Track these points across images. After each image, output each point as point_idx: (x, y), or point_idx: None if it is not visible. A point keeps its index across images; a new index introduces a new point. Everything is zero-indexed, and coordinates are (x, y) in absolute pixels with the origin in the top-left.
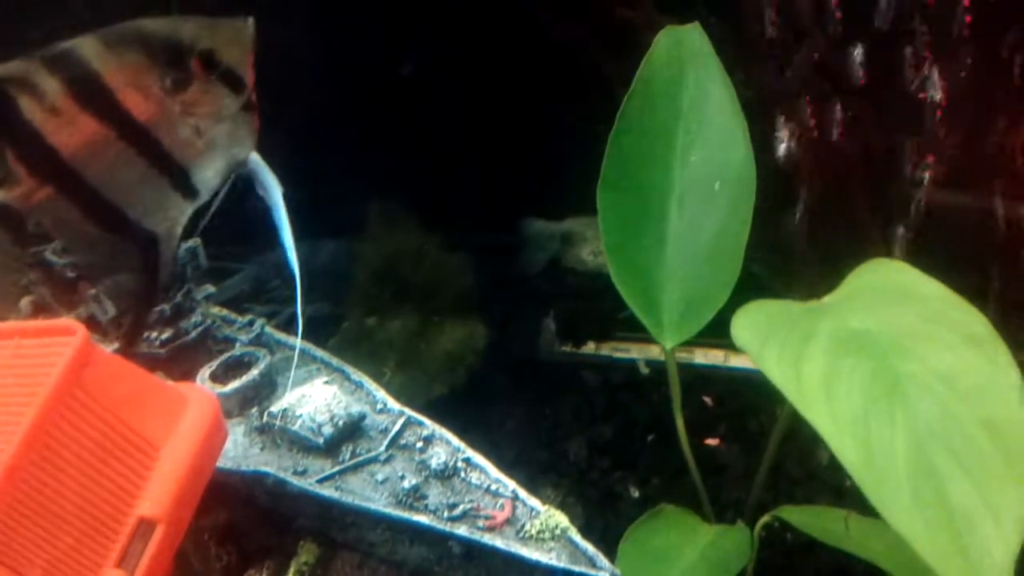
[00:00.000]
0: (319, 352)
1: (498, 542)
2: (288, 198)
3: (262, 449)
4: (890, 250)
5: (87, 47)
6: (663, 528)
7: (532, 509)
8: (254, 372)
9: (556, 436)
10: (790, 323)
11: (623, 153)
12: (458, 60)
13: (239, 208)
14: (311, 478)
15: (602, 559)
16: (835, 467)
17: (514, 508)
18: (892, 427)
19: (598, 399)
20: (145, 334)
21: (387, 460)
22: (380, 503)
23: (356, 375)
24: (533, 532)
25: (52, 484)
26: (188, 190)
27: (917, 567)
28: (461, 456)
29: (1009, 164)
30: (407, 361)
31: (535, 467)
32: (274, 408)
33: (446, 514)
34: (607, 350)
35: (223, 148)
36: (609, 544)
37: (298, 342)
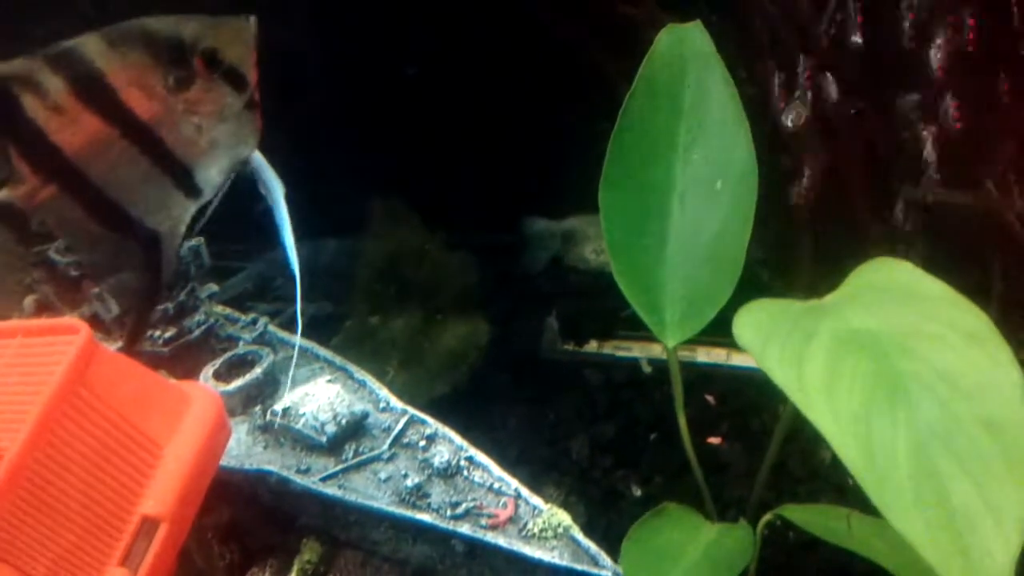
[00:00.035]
0: (322, 351)
1: (501, 540)
2: (287, 198)
3: (265, 448)
4: (892, 249)
5: (90, 46)
6: (666, 527)
7: (535, 507)
8: (257, 371)
9: (558, 434)
10: (792, 322)
11: (625, 151)
12: (460, 59)
13: (242, 207)
14: (314, 476)
15: (604, 557)
16: (837, 466)
17: (517, 506)
18: (894, 427)
19: (600, 398)
20: (148, 332)
21: (390, 458)
22: (383, 501)
23: (359, 374)
24: (536, 530)
25: (56, 482)
26: (191, 189)
27: (919, 566)
28: (464, 454)
29: (1010, 160)
30: (410, 360)
31: (538, 465)
32: (277, 407)
33: (449, 512)
34: (609, 349)
35: (226, 147)
36: (611, 542)
37: (298, 340)
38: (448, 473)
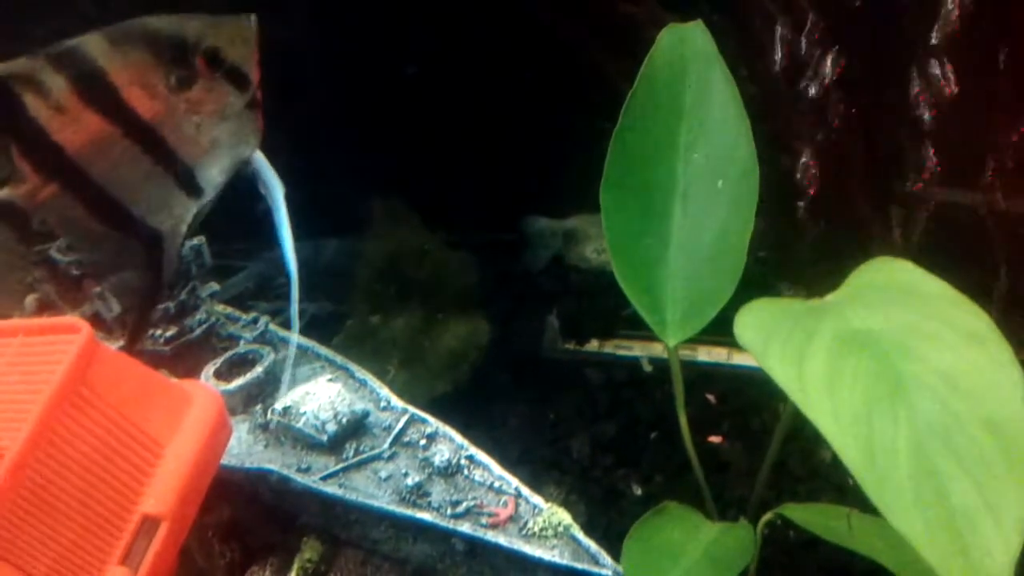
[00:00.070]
0: (323, 350)
1: (501, 539)
2: (287, 198)
3: (266, 446)
4: (893, 248)
5: (92, 45)
6: (666, 526)
7: (535, 506)
8: (258, 369)
9: (559, 433)
10: (793, 322)
11: (626, 151)
12: (461, 59)
13: (243, 206)
14: (315, 475)
15: (605, 556)
16: (838, 465)
17: (517, 505)
18: (894, 427)
19: (601, 397)
20: (150, 332)
21: (391, 457)
22: (383, 500)
23: (360, 373)
24: (536, 529)
25: (57, 481)
26: (192, 188)
27: (919, 565)
28: (464, 453)
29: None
30: (411, 359)
31: (538, 464)
32: (278, 405)
33: (449, 511)
34: (610, 348)
35: (227, 146)
36: (612, 541)
37: (294, 339)
38: (449, 472)
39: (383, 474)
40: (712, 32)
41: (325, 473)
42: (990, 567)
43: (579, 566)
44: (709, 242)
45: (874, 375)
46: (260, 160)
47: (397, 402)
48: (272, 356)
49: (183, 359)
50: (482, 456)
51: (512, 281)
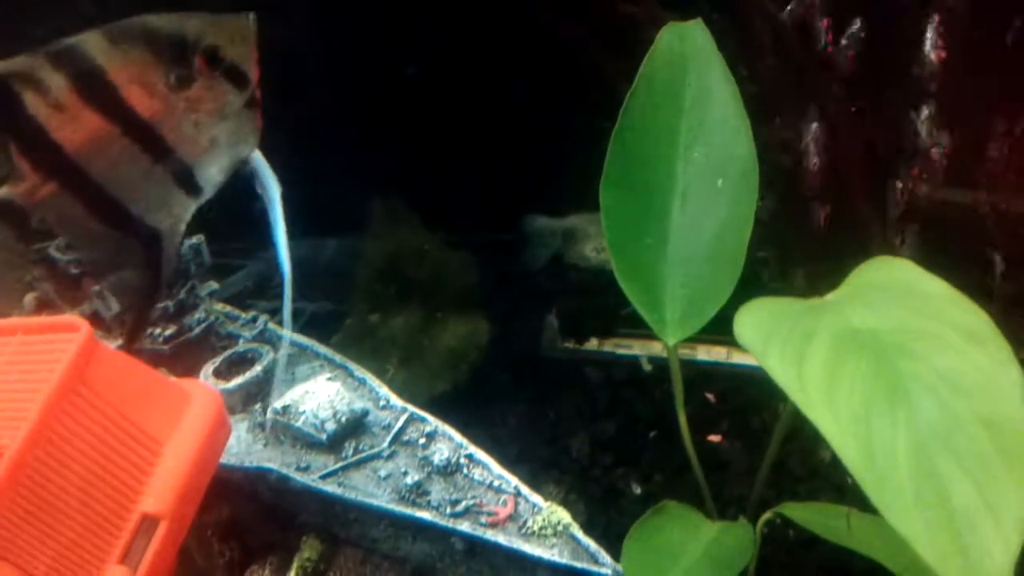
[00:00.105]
0: (322, 348)
1: (500, 538)
2: (284, 198)
3: (265, 445)
4: (893, 247)
5: (91, 43)
6: (666, 525)
7: (535, 505)
8: (257, 368)
9: (558, 433)
10: (793, 321)
11: (626, 150)
12: (461, 58)
13: (243, 205)
14: (314, 474)
15: (604, 555)
16: (837, 464)
17: (516, 504)
18: (894, 427)
19: (600, 396)
20: (149, 330)
21: (390, 456)
22: (383, 499)
23: (359, 372)
24: (535, 528)
25: (56, 480)
26: (192, 187)
27: (918, 565)
28: (464, 452)
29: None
30: (410, 358)
31: (537, 463)
32: (277, 404)
33: (449, 510)
34: (609, 347)
35: (227, 145)
36: (611, 540)
37: (286, 341)
38: (448, 471)
39: (382, 473)
40: (712, 31)
41: (324, 472)
42: (990, 567)
43: (578, 565)
44: (709, 241)
45: (874, 375)
46: (258, 160)
47: (396, 401)
48: (271, 355)
49: (182, 358)
50: (481, 455)
51: (511, 280)
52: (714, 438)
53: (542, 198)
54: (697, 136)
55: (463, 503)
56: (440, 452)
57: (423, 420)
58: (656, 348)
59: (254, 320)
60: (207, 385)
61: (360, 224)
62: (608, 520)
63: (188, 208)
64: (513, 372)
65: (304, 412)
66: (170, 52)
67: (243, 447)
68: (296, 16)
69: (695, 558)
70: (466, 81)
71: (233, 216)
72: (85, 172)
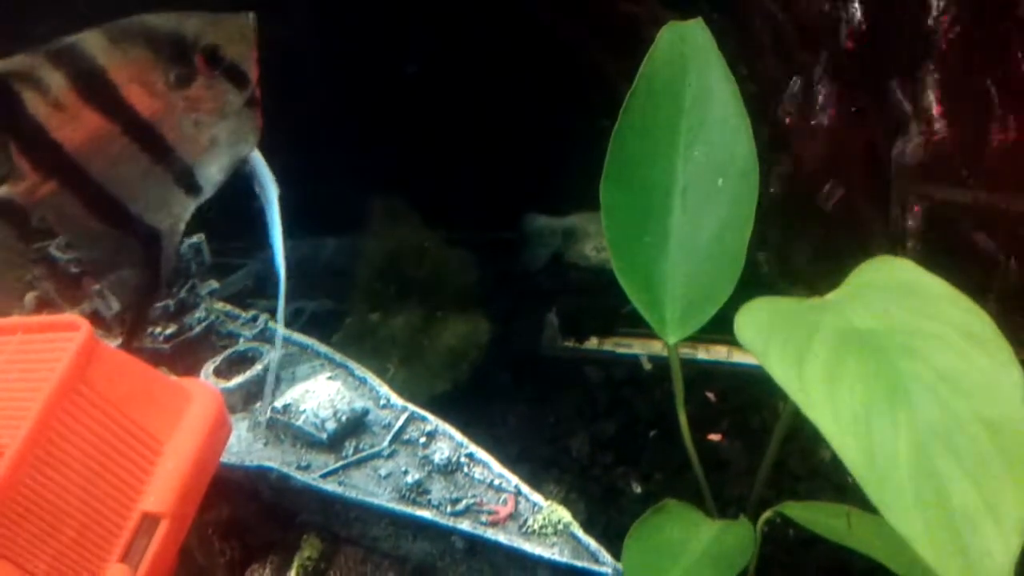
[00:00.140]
0: (323, 348)
1: (501, 537)
2: (281, 198)
3: (266, 444)
4: (893, 246)
5: (92, 42)
6: (666, 524)
7: (535, 504)
8: (258, 367)
9: (559, 432)
10: (793, 321)
11: (626, 149)
12: (461, 57)
13: (243, 204)
14: (314, 473)
15: (604, 554)
16: (837, 463)
17: (517, 503)
18: (894, 428)
19: (601, 395)
20: (149, 329)
21: (390, 455)
22: (383, 498)
23: (360, 371)
24: (536, 527)
25: (56, 479)
26: (191, 186)
27: (918, 564)
28: (464, 451)
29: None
30: (410, 357)
31: (538, 462)
32: (278, 403)
33: (449, 509)
34: (610, 346)
35: (226, 144)
36: (611, 539)
37: (279, 341)
38: (448, 470)
39: (383, 472)
40: (712, 30)
41: (325, 471)
42: (990, 568)
43: (579, 564)
44: (709, 240)
45: (874, 375)
46: (257, 159)
47: (397, 400)
48: (272, 354)
49: (183, 357)
50: (482, 454)
51: (512, 279)
52: (714, 437)
53: (542, 197)
54: (697, 135)
55: (463, 502)
56: (440, 451)
57: (423, 419)
58: (656, 347)
59: (254, 319)
60: (207, 384)
61: (360, 223)
62: (608, 519)
63: (187, 207)
64: (513, 371)
65: (304, 411)
66: (170, 51)
67: (244, 446)
68: (296, 16)
69: (695, 557)
70: (466, 80)
71: (233, 215)
72: (85, 171)
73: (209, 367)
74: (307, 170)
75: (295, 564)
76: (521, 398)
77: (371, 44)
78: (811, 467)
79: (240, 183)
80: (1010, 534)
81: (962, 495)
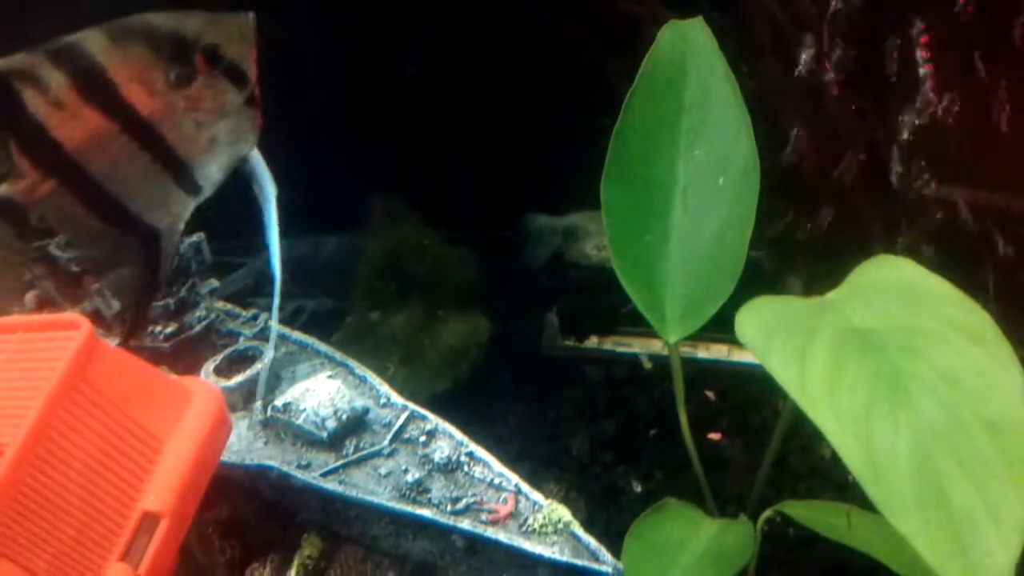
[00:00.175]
0: (323, 346)
1: (501, 536)
2: (279, 199)
3: (266, 443)
4: (894, 246)
5: (92, 41)
6: (666, 522)
7: (535, 503)
8: (258, 366)
9: (559, 431)
10: (794, 320)
11: (627, 148)
12: (461, 57)
13: (243, 203)
14: (315, 472)
15: (605, 553)
16: (837, 462)
17: (517, 502)
18: (895, 427)
19: (601, 394)
20: (150, 328)
21: (390, 454)
22: (383, 497)
23: (360, 369)
24: (536, 526)
25: (57, 478)
26: (191, 185)
27: (918, 563)
28: (464, 450)
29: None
30: (411, 356)
31: (538, 461)
32: (278, 402)
33: (449, 508)
34: (610, 345)
35: (226, 143)
36: (612, 538)
37: (272, 341)
38: (448, 469)
39: (383, 471)
40: (712, 29)
41: (325, 470)
42: (990, 568)
43: (579, 563)
44: (709, 239)
45: (875, 375)
46: (256, 159)
47: (397, 399)
48: (272, 352)
49: (183, 356)
50: (482, 453)
51: (512, 278)
52: (714, 436)
53: (542, 196)
54: (698, 134)
55: (464, 501)
56: (441, 450)
57: (424, 418)
58: (656, 346)
59: (255, 318)
60: (208, 383)
61: (361, 222)
62: (609, 518)
63: (187, 206)
64: (513, 370)
65: (305, 410)
66: (170, 50)
67: (244, 445)
68: (296, 15)
69: (695, 556)
70: (467, 79)
71: (234, 214)
72: (84, 170)
73: (209, 366)
74: (308, 169)
75: (295, 563)
76: (521, 397)
77: (371, 44)
78: (811, 465)
79: (241, 182)
80: (1010, 534)
81: (962, 495)
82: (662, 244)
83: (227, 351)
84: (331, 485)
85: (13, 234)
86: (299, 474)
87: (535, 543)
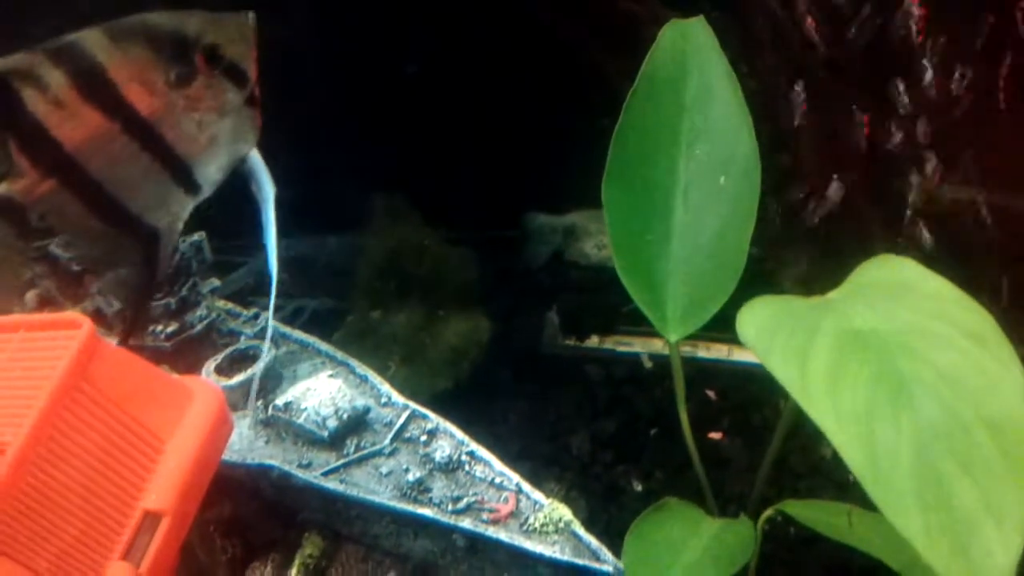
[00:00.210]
0: (324, 346)
1: (502, 535)
2: (277, 199)
3: (267, 442)
4: (895, 245)
5: (92, 40)
6: (667, 522)
7: (536, 502)
8: (259, 365)
9: (560, 430)
10: (795, 320)
11: (628, 147)
12: (462, 57)
13: (244, 202)
14: (316, 471)
15: (605, 552)
16: (838, 461)
17: (518, 501)
18: (896, 427)
19: (601, 393)
20: (150, 327)
21: (391, 453)
22: (384, 496)
23: (361, 369)
24: (537, 525)
25: (58, 477)
26: (190, 185)
27: (919, 563)
28: (465, 449)
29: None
30: (411, 355)
31: (539, 460)
32: (279, 401)
33: (450, 507)
34: (610, 344)
35: (226, 143)
36: (612, 537)
37: (268, 341)
38: (449, 468)
39: (384, 470)
40: (713, 28)
41: (326, 469)
42: (991, 568)
43: (580, 562)
44: (711, 238)
45: (876, 375)
46: (256, 159)
47: (398, 398)
48: (273, 352)
49: (184, 355)
50: (483, 452)
51: (512, 277)
52: (715, 435)
53: (543, 195)
54: (699, 134)
55: (464, 500)
56: (442, 449)
57: (425, 417)
58: (657, 345)
59: (256, 317)
60: (209, 382)
61: (362, 221)
62: (609, 517)
63: (186, 206)
64: (514, 369)
65: (306, 409)
66: (170, 50)
67: (245, 444)
68: (296, 15)
69: (696, 555)
70: (467, 79)
71: (235, 213)
72: (84, 169)
73: (210, 365)
74: (308, 169)
75: (296, 562)
76: (522, 396)
77: (371, 44)
78: (812, 465)
79: (242, 181)
80: (1011, 535)
81: (963, 495)
82: (663, 243)
83: (228, 350)
84: (332, 484)
85: (13, 233)
86: (300, 473)
87: (536, 542)
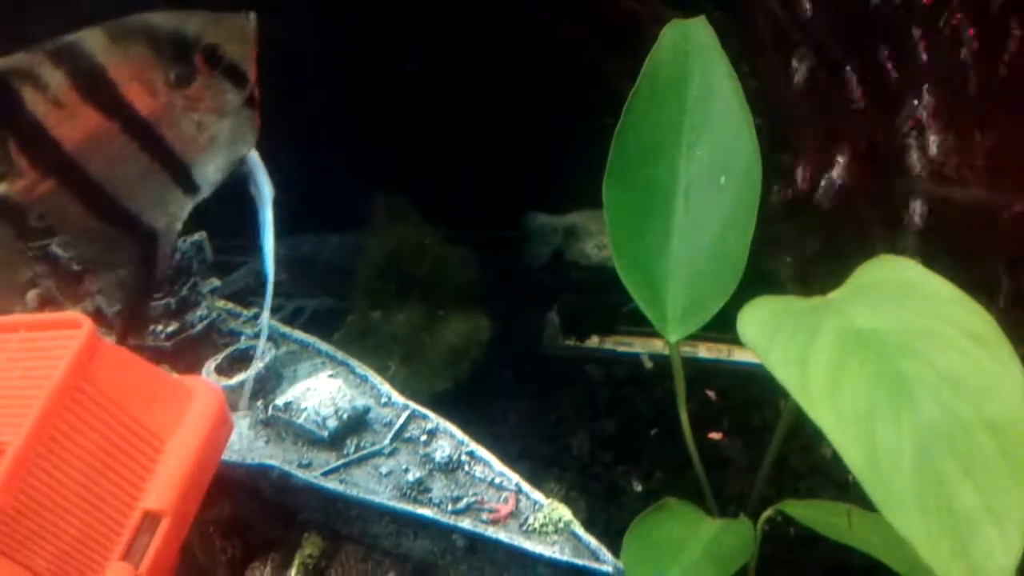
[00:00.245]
0: (324, 346)
1: (502, 535)
2: (275, 200)
3: (267, 442)
4: (895, 246)
5: (92, 40)
6: (667, 522)
7: (536, 502)
8: (254, 366)
9: (560, 430)
10: (796, 320)
11: (629, 147)
12: (462, 57)
13: (244, 202)
14: (316, 471)
15: (605, 552)
16: (838, 461)
17: (518, 501)
18: (897, 428)
19: (601, 393)
20: (151, 327)
21: (391, 453)
22: (384, 496)
23: (361, 368)
24: (536, 525)
25: (58, 477)
26: (189, 185)
27: (919, 563)
28: (465, 449)
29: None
30: (412, 355)
31: (539, 461)
32: (279, 401)
33: (450, 507)
34: (611, 344)
35: (225, 144)
36: (612, 538)
37: (263, 342)
38: (449, 468)
39: (384, 470)
40: (714, 28)
41: (326, 469)
42: (991, 569)
43: (580, 562)
44: (711, 238)
45: (877, 375)
46: (255, 160)
47: (398, 398)
48: (273, 352)
49: (184, 355)
50: (483, 452)
51: (512, 277)
52: (715, 435)
53: (543, 195)
54: (700, 134)
55: (464, 500)
56: (441, 449)
57: (424, 417)
58: (657, 345)
59: (256, 317)
60: (209, 382)
61: (362, 221)
62: (609, 517)
63: (185, 207)
64: (514, 369)
65: (306, 409)
66: (170, 50)
67: (245, 444)
68: (296, 15)
69: (696, 555)
70: (467, 79)
71: (235, 213)
72: (83, 169)
73: (211, 365)
74: (308, 169)
75: (296, 562)
76: (522, 396)
77: (371, 44)
78: (812, 465)
79: (242, 181)
80: (1012, 535)
81: (964, 496)
82: (664, 243)
83: (228, 350)
84: (332, 484)
85: (12, 233)
86: (300, 473)
87: (536, 542)
